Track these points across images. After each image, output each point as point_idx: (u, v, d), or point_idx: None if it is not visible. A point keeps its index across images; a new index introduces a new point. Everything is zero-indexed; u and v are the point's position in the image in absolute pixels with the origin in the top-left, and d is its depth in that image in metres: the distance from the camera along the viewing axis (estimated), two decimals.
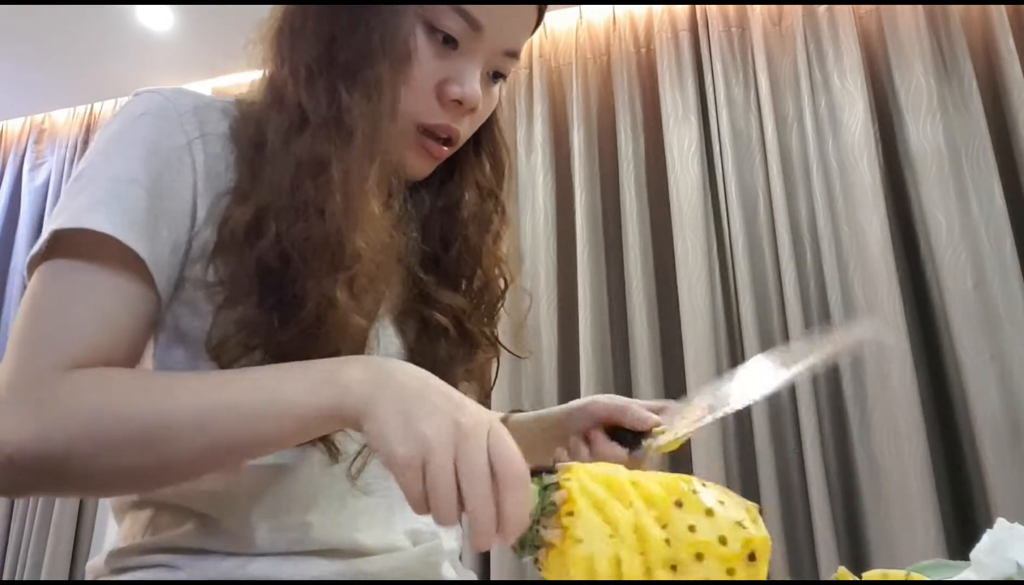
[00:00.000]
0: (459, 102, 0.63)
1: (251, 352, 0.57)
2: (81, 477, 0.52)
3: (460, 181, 0.72)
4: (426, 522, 0.67)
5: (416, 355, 0.67)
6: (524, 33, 0.67)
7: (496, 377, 0.74)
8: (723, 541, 0.45)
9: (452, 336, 0.68)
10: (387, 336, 0.66)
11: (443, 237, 0.71)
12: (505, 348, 0.74)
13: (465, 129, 0.66)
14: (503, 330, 0.76)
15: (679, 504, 0.46)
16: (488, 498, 0.43)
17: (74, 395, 0.51)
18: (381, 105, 0.60)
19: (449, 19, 0.61)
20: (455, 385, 0.66)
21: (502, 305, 0.74)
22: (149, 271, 0.56)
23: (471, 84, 0.63)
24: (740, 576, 0.44)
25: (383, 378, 0.48)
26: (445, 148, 0.66)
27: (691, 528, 0.45)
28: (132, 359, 0.58)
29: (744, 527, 0.46)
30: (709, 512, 0.46)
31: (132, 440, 0.50)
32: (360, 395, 0.47)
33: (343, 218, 0.57)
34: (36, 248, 0.56)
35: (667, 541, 0.45)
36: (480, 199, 0.72)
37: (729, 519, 0.46)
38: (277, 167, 0.58)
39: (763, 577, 0.45)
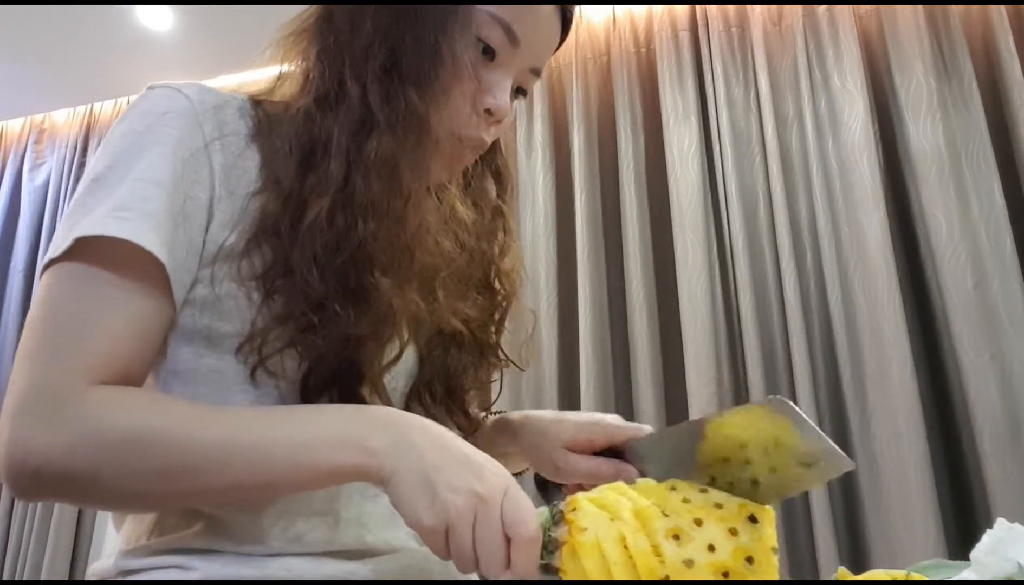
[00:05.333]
0: (490, 113, 0.65)
1: (285, 349, 0.57)
2: (104, 497, 0.56)
3: (470, 196, 0.74)
4: None
5: (428, 363, 0.68)
6: (550, 51, 0.69)
7: (500, 391, 0.75)
8: (719, 506, 0.47)
9: (466, 343, 0.69)
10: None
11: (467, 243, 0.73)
12: (509, 358, 0.75)
13: (488, 139, 0.68)
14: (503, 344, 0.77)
15: (673, 488, 0.50)
16: (500, 561, 0.47)
17: (100, 417, 0.52)
18: (447, 111, 0.62)
19: (492, 31, 0.63)
20: (465, 393, 0.69)
21: (506, 318, 0.75)
22: (168, 277, 0.56)
23: (504, 97, 0.65)
24: (745, 537, 0.46)
25: (405, 447, 0.51)
26: (472, 156, 0.68)
27: (686, 500, 0.48)
28: (149, 365, 0.59)
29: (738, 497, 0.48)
30: (703, 490, 0.49)
31: (154, 472, 0.52)
32: (383, 464, 0.50)
33: (411, 219, 0.60)
34: (55, 252, 0.56)
35: (665, 514, 0.47)
36: (490, 214, 0.74)
37: (722, 493, 0.49)
38: (341, 165, 0.59)
39: (773, 542, 0.46)
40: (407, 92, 0.61)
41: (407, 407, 0.66)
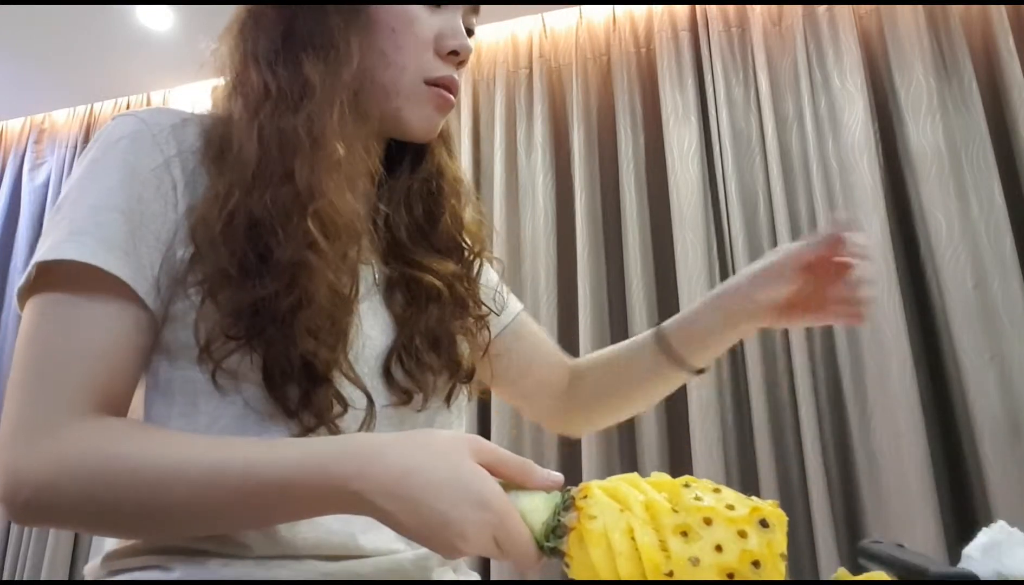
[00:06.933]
0: (456, 53, 0.69)
1: (238, 346, 0.57)
2: (91, 528, 0.58)
3: (430, 157, 0.76)
4: None
5: (405, 324, 0.68)
6: None
7: (488, 344, 0.77)
8: (730, 507, 0.47)
9: (444, 298, 0.70)
10: (374, 312, 0.67)
11: (427, 211, 0.74)
12: (488, 308, 0.77)
13: (458, 79, 0.71)
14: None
15: (687, 485, 0.49)
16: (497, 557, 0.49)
17: (79, 454, 0.53)
18: (339, 58, 0.65)
19: None
20: (453, 340, 0.70)
21: (479, 272, 0.77)
22: (135, 293, 0.58)
23: (464, 36, 0.70)
24: (753, 540, 0.45)
25: (391, 488, 0.49)
26: (452, 98, 0.71)
27: (697, 498, 0.48)
28: (134, 379, 0.60)
29: (751, 498, 0.48)
30: (716, 490, 0.49)
31: (132, 515, 0.54)
32: (383, 514, 0.50)
33: (310, 173, 0.60)
34: (22, 281, 0.58)
35: (675, 511, 0.47)
36: (452, 172, 0.77)
37: (735, 494, 0.48)
38: (244, 144, 0.61)
39: (783, 548, 0.46)
40: (300, 58, 0.64)
41: (386, 371, 0.65)
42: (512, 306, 0.87)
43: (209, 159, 0.63)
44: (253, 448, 0.53)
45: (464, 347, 0.72)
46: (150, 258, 0.59)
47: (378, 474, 0.50)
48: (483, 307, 0.76)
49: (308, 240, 0.59)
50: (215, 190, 0.60)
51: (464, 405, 0.75)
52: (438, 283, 0.70)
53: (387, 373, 0.65)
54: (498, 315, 0.80)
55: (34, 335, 0.57)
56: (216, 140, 0.63)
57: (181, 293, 0.60)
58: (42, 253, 0.57)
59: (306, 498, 0.52)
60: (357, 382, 0.61)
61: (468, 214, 0.77)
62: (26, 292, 0.59)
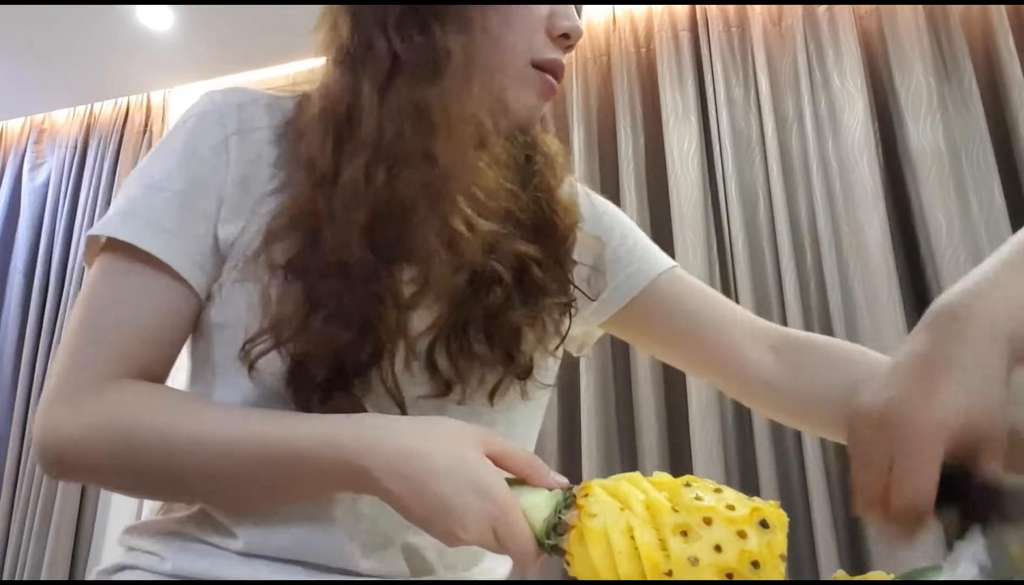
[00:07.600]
0: (567, 36, 0.66)
1: (272, 346, 0.56)
2: (115, 485, 0.62)
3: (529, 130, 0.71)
4: (431, 543, 0.63)
5: (459, 309, 0.62)
6: None
7: (568, 330, 0.69)
8: (731, 508, 0.47)
9: (506, 283, 0.63)
10: (427, 307, 0.62)
11: (519, 183, 0.67)
12: (580, 289, 0.70)
13: (564, 62, 0.68)
14: None
15: (688, 485, 0.49)
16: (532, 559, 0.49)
17: (107, 413, 0.56)
18: (474, 36, 0.62)
19: None
20: (514, 330, 0.63)
21: (571, 250, 0.70)
22: (178, 272, 0.59)
23: (575, 17, 0.67)
24: (753, 541, 0.45)
25: (398, 480, 0.50)
26: (556, 84, 0.67)
27: (697, 498, 0.48)
28: (172, 351, 0.62)
29: (752, 499, 0.48)
30: (718, 490, 0.49)
31: (152, 479, 0.57)
32: (387, 494, 0.50)
33: (450, 159, 0.58)
34: (82, 249, 0.63)
35: (675, 510, 0.47)
36: (548, 146, 0.72)
37: (736, 494, 0.49)
38: (372, 119, 0.58)
39: (782, 549, 0.46)
40: (432, 28, 0.61)
41: (430, 359, 0.61)
42: (638, 278, 0.78)
43: (289, 139, 0.62)
44: (270, 421, 0.54)
45: (529, 339, 0.65)
46: (198, 238, 0.60)
47: (385, 452, 0.50)
48: (569, 292, 0.68)
49: (453, 226, 0.57)
50: (330, 167, 0.57)
51: (525, 406, 0.69)
52: (498, 268, 0.62)
53: (431, 361, 0.61)
54: (592, 299, 0.73)
55: (86, 300, 0.60)
56: (325, 116, 0.60)
57: (235, 276, 0.60)
58: (95, 228, 0.60)
59: (316, 472, 0.52)
60: (394, 394, 0.58)
61: (564, 190, 0.71)
62: (88, 255, 0.62)
